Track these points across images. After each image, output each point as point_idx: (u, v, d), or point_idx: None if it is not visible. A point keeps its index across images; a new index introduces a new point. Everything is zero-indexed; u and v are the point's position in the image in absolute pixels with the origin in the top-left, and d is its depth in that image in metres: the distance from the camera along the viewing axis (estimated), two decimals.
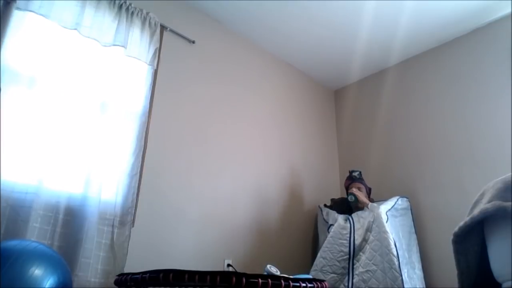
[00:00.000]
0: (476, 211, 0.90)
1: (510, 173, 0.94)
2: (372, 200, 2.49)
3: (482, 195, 0.96)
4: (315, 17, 2.55)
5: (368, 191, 2.57)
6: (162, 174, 2.07)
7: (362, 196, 2.38)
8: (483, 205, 0.90)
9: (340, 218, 2.35)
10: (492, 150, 2.31)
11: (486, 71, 2.47)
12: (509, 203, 0.84)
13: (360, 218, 2.24)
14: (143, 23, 2.10)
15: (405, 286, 1.89)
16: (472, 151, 2.41)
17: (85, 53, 1.84)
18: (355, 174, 2.58)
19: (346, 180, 2.66)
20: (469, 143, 2.43)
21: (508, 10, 2.41)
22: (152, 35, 2.12)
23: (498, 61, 2.41)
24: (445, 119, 2.61)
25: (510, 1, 2.33)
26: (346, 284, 2.07)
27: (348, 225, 2.24)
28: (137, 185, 1.87)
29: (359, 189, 2.50)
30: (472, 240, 0.95)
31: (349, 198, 2.41)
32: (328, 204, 2.72)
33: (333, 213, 2.48)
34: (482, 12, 2.44)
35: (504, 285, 0.87)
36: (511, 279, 0.84)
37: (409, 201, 2.50)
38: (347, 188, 2.59)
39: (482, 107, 2.44)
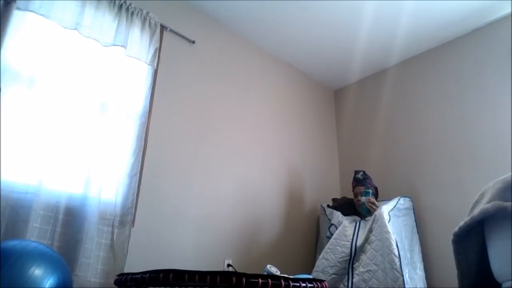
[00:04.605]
0: (476, 211, 0.90)
1: (510, 173, 0.94)
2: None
3: (482, 195, 0.96)
4: (315, 17, 2.55)
5: (375, 192, 2.47)
6: (162, 174, 2.07)
7: (375, 205, 2.26)
8: (483, 205, 0.90)
9: (346, 220, 2.34)
10: (492, 150, 2.31)
11: (486, 71, 2.47)
12: (509, 203, 0.84)
13: (366, 222, 2.23)
14: (143, 23, 2.10)
15: (406, 286, 1.89)
16: (472, 151, 2.40)
17: (85, 53, 1.85)
18: (358, 176, 2.48)
19: (352, 181, 2.55)
20: (469, 143, 2.43)
21: (508, 10, 2.41)
22: (152, 35, 2.12)
23: (498, 61, 2.41)
24: (445, 119, 2.61)
25: (510, 1, 2.33)
26: (346, 284, 2.07)
27: (353, 227, 2.24)
28: (137, 185, 1.87)
29: (361, 194, 2.38)
30: (472, 240, 0.94)
31: (363, 211, 2.31)
32: (331, 204, 2.71)
33: (338, 214, 2.46)
34: (482, 12, 2.44)
35: (504, 285, 0.87)
36: (511, 279, 0.84)
37: (411, 201, 2.50)
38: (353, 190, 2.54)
39: (482, 107, 2.44)
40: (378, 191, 2.57)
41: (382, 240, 2.04)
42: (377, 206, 2.25)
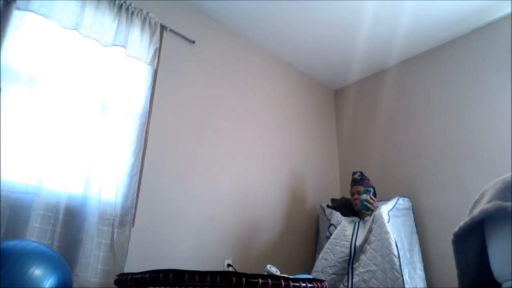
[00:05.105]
0: (476, 211, 0.90)
1: (510, 173, 0.94)
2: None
3: (482, 195, 0.96)
4: (315, 17, 2.55)
5: (373, 192, 2.44)
6: (162, 174, 2.07)
7: (373, 205, 2.26)
8: (483, 205, 0.90)
9: (345, 220, 2.34)
10: (492, 150, 2.31)
11: (486, 71, 2.47)
12: (509, 203, 0.84)
13: (365, 222, 2.23)
14: (143, 23, 2.10)
15: (405, 286, 1.89)
16: (472, 151, 2.40)
17: (85, 53, 1.85)
18: (356, 176, 2.51)
19: (351, 182, 2.58)
20: (469, 143, 2.43)
21: (508, 10, 2.41)
22: (152, 35, 2.12)
23: (498, 61, 2.41)
24: (445, 119, 2.61)
25: (510, 1, 2.33)
26: (346, 284, 2.07)
27: (352, 227, 2.24)
28: (137, 185, 1.87)
29: (358, 193, 2.43)
30: (472, 240, 0.95)
31: (362, 208, 2.29)
32: (330, 205, 2.71)
33: (337, 215, 2.46)
34: (482, 12, 2.44)
35: (504, 285, 0.87)
36: (511, 279, 0.84)
37: (411, 201, 2.50)
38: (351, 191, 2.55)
39: (482, 107, 2.44)
40: (377, 192, 2.56)
41: (382, 240, 2.04)
42: (375, 206, 2.26)
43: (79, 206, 1.66)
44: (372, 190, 2.33)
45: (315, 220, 2.84)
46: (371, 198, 2.28)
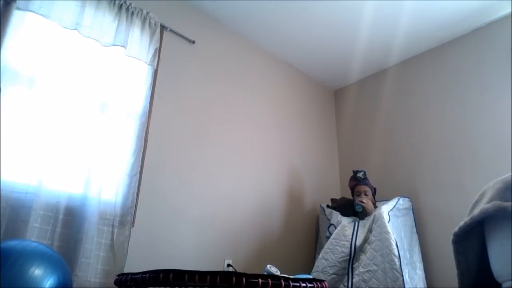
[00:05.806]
0: (476, 211, 0.90)
1: (510, 173, 0.94)
2: (374, 201, 2.47)
3: (482, 195, 0.96)
4: (315, 17, 2.55)
5: (374, 192, 2.52)
6: (162, 174, 2.07)
7: (370, 205, 2.32)
8: (483, 205, 0.90)
9: (345, 220, 2.34)
10: (492, 150, 2.31)
11: (486, 71, 2.47)
12: (509, 203, 0.84)
13: (365, 222, 2.24)
14: (143, 23, 2.10)
15: (405, 286, 1.89)
16: (472, 151, 2.40)
17: (85, 53, 1.85)
18: (360, 175, 2.50)
19: (350, 180, 2.59)
20: (469, 143, 2.43)
21: (508, 10, 2.41)
22: (152, 35, 2.12)
23: (498, 61, 2.41)
24: (445, 119, 2.61)
25: (510, 1, 2.33)
26: (346, 284, 2.07)
27: (352, 227, 2.24)
28: (137, 185, 1.87)
29: (365, 193, 2.43)
30: (472, 240, 0.95)
31: (356, 208, 2.34)
32: (330, 205, 2.71)
33: (337, 215, 2.46)
34: (482, 12, 2.44)
35: (504, 285, 0.87)
36: (511, 279, 0.84)
37: (411, 201, 2.50)
38: (352, 189, 2.55)
39: (482, 107, 2.44)
40: (377, 191, 2.58)
41: (382, 240, 2.04)
42: (371, 206, 2.31)
43: (79, 206, 1.66)
44: (361, 206, 2.34)
45: (315, 220, 2.84)
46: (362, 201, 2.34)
